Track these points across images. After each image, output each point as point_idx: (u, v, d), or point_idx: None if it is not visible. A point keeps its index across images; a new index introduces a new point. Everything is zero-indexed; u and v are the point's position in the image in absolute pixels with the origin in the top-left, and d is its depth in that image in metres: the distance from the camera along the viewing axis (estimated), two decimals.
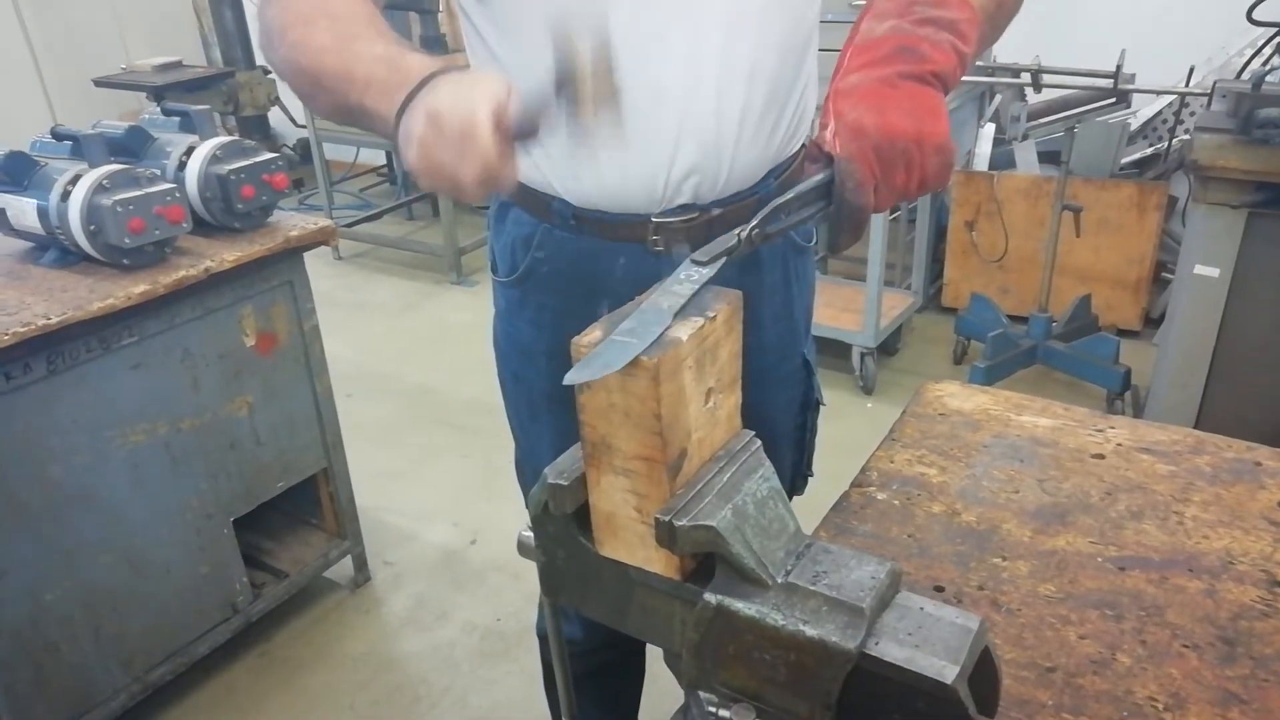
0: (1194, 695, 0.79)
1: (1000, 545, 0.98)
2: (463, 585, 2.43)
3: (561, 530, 0.81)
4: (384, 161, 5.63)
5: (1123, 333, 3.27)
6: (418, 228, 5.09)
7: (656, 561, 0.75)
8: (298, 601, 2.32)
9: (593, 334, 0.70)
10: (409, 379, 3.54)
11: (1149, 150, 3.34)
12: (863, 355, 3.20)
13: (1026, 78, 2.57)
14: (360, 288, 4.47)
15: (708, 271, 0.75)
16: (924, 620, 0.69)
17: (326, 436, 2.21)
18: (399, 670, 2.16)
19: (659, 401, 0.67)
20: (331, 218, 4.65)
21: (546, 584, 0.86)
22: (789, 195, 0.81)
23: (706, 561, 0.73)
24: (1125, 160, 3.30)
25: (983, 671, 0.68)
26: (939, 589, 0.93)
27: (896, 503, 1.05)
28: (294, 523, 2.36)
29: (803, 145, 1.23)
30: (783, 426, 1.34)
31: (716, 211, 1.13)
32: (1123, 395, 2.85)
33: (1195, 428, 2.46)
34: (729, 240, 0.77)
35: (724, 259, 0.76)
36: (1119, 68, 2.48)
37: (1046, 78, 2.54)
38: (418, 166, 0.80)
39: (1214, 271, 2.22)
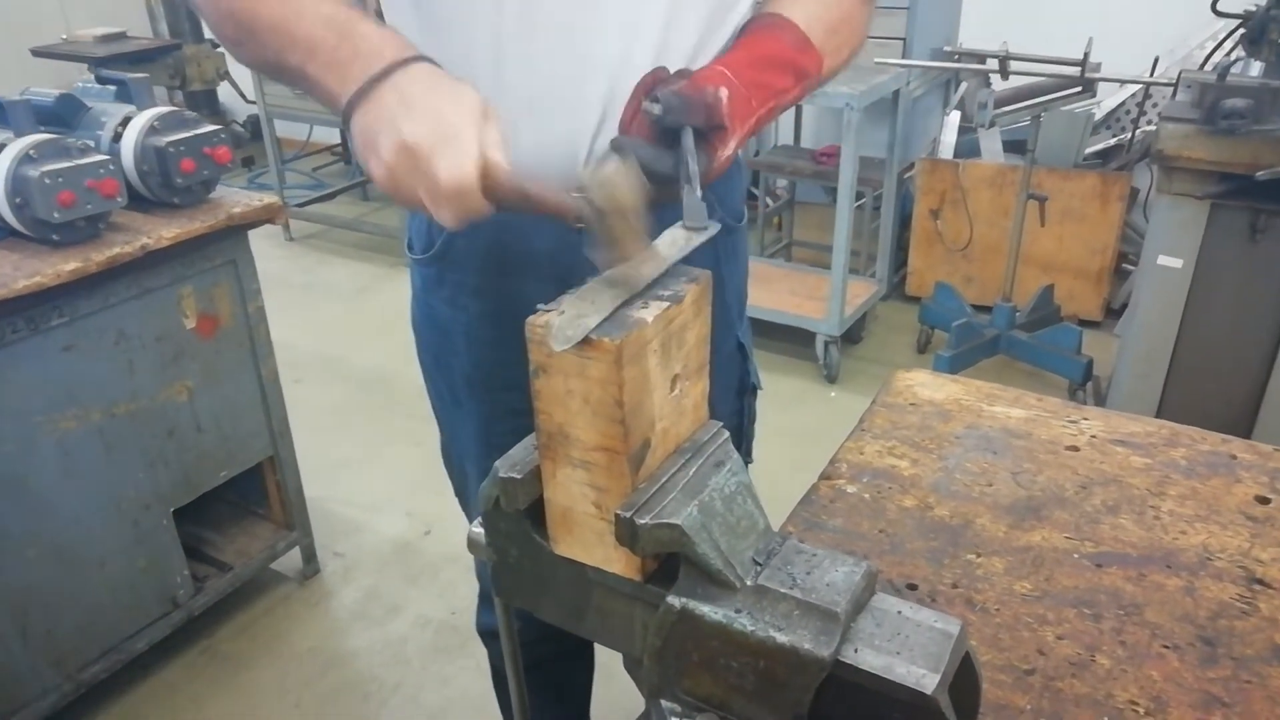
0: (1175, 698, 0.76)
1: (974, 541, 0.94)
2: (416, 578, 2.36)
3: (514, 527, 0.75)
4: (338, 140, 5.49)
5: (1084, 323, 3.28)
6: (372, 209, 4.96)
7: (616, 561, 0.70)
8: (242, 595, 2.23)
9: (547, 315, 0.64)
10: (362, 364, 3.44)
11: (1112, 141, 3.35)
12: (826, 343, 3.17)
13: (993, 64, 2.54)
14: (312, 270, 4.34)
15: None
16: (901, 625, 0.65)
17: (273, 423, 2.12)
18: (348, 666, 2.09)
19: (621, 387, 0.62)
20: (283, 197, 4.52)
21: (498, 584, 0.81)
22: None
23: (670, 561, 0.68)
24: (1089, 150, 3.31)
25: (963, 678, 0.63)
26: (912, 587, 0.89)
27: (867, 496, 1.01)
28: (239, 513, 2.27)
29: None
30: (719, 413, 1.27)
31: None
32: (1084, 386, 2.86)
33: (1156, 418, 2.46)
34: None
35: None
36: (1086, 56, 2.46)
37: (1014, 65, 2.51)
38: (384, 188, 0.76)
39: (1177, 262, 2.22)
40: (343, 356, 3.49)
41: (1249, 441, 1.08)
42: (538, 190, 0.75)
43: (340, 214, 4.72)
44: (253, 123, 5.17)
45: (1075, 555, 0.92)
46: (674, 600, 0.66)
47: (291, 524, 2.26)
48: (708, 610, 0.65)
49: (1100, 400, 2.73)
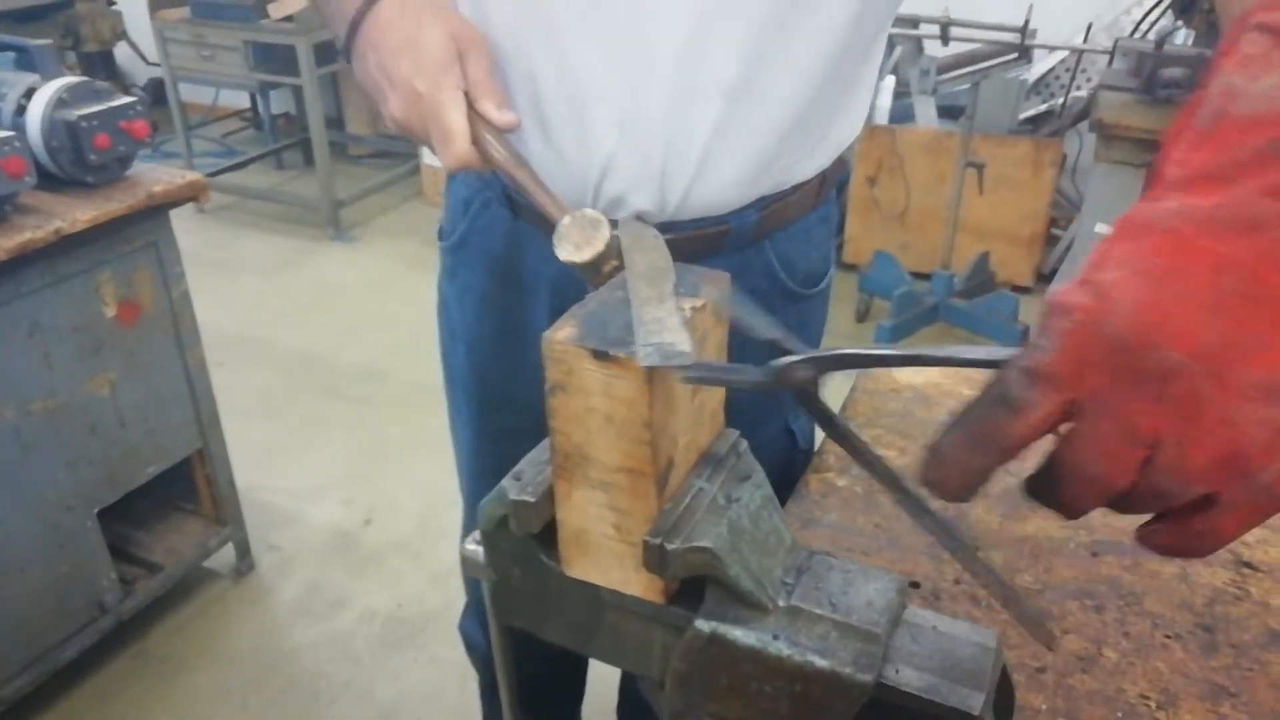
0: (1184, 690, 0.76)
1: (971, 533, 0.93)
2: (359, 569, 2.28)
3: (519, 548, 0.70)
4: (248, 104, 5.23)
5: (1016, 289, 3.33)
6: (289, 178, 4.75)
7: (636, 583, 0.65)
8: (175, 595, 2.12)
9: (565, 329, 0.59)
10: (287, 344, 3.30)
11: (1043, 107, 3.39)
12: None
13: (933, 29, 2.53)
14: (228, 244, 4.14)
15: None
16: (939, 641, 0.62)
17: (201, 414, 2.01)
18: (294, 664, 2.01)
19: (650, 407, 0.57)
20: (192, 167, 4.29)
21: (498, 604, 0.75)
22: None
23: (691, 579, 0.64)
24: (1021, 116, 3.34)
25: (1001, 689, 0.62)
26: (914, 585, 0.87)
27: (859, 489, 0.98)
28: (166, 509, 2.15)
29: (821, 172, 0.98)
30: None
31: (666, 236, 0.98)
32: None
33: None
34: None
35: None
36: (1026, 23, 2.47)
37: (954, 31, 2.51)
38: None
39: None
40: (267, 337, 3.34)
41: None
42: (528, 183, 0.76)
43: (254, 184, 4.50)
44: (154, 87, 4.87)
45: (1071, 544, 0.91)
46: (703, 625, 0.62)
47: (223, 519, 2.15)
48: (740, 634, 0.61)
49: None
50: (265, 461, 2.60)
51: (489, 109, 0.76)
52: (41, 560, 1.76)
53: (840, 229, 3.71)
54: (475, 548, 0.74)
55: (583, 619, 0.71)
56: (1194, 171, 0.41)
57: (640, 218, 0.91)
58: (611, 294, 0.63)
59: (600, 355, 0.57)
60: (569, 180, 0.90)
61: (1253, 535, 0.92)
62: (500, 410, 1.08)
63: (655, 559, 0.60)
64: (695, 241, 0.92)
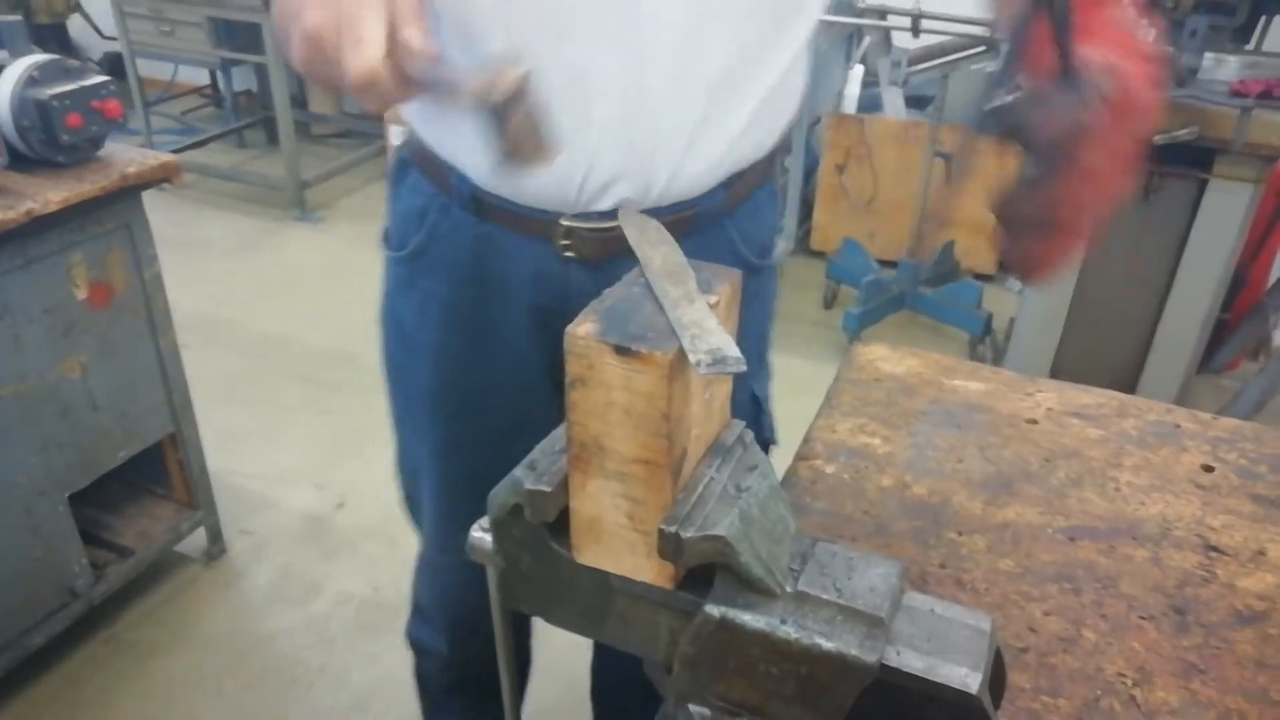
0: (1158, 668, 0.80)
1: (954, 519, 0.96)
2: (333, 553, 2.27)
3: (529, 535, 0.71)
4: (207, 81, 5.12)
5: (979, 276, 3.40)
6: (251, 157, 4.67)
7: (647, 570, 0.67)
8: (146, 580, 2.11)
9: (586, 324, 0.61)
10: (254, 327, 3.26)
11: (1010, 99, 3.43)
12: None
13: (903, 20, 2.56)
14: (189, 224, 4.06)
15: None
16: (937, 623, 0.65)
17: (173, 397, 1.98)
18: (269, 649, 2.01)
19: (669, 400, 0.59)
20: (151, 144, 4.20)
21: (505, 591, 0.77)
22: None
23: (700, 566, 0.67)
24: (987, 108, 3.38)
25: (995, 671, 0.65)
26: None
27: (846, 476, 1.01)
28: (137, 493, 2.12)
29: (771, 152, 1.06)
30: None
31: None
32: (984, 339, 2.98)
33: (1052, 372, 2.58)
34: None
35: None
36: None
37: (925, 23, 2.54)
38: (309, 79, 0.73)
39: None
40: (232, 319, 3.29)
41: (1189, 411, 1.14)
42: (446, 81, 0.70)
43: (216, 162, 4.42)
44: (110, 61, 4.75)
45: (1049, 530, 0.95)
46: (712, 610, 0.64)
47: (195, 503, 2.13)
48: (749, 619, 0.63)
49: (999, 353, 2.86)
50: (234, 445, 2.58)
51: (412, 35, 0.68)
52: (12, 545, 1.73)
53: (808, 216, 3.75)
54: (483, 535, 0.75)
55: (592, 605, 0.73)
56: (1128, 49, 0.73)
57: (623, 204, 0.94)
58: (629, 290, 0.65)
59: (622, 350, 0.59)
60: (555, 168, 0.91)
61: (1218, 520, 0.97)
62: (468, 418, 1.08)
63: (671, 547, 0.63)
64: (670, 226, 0.95)
